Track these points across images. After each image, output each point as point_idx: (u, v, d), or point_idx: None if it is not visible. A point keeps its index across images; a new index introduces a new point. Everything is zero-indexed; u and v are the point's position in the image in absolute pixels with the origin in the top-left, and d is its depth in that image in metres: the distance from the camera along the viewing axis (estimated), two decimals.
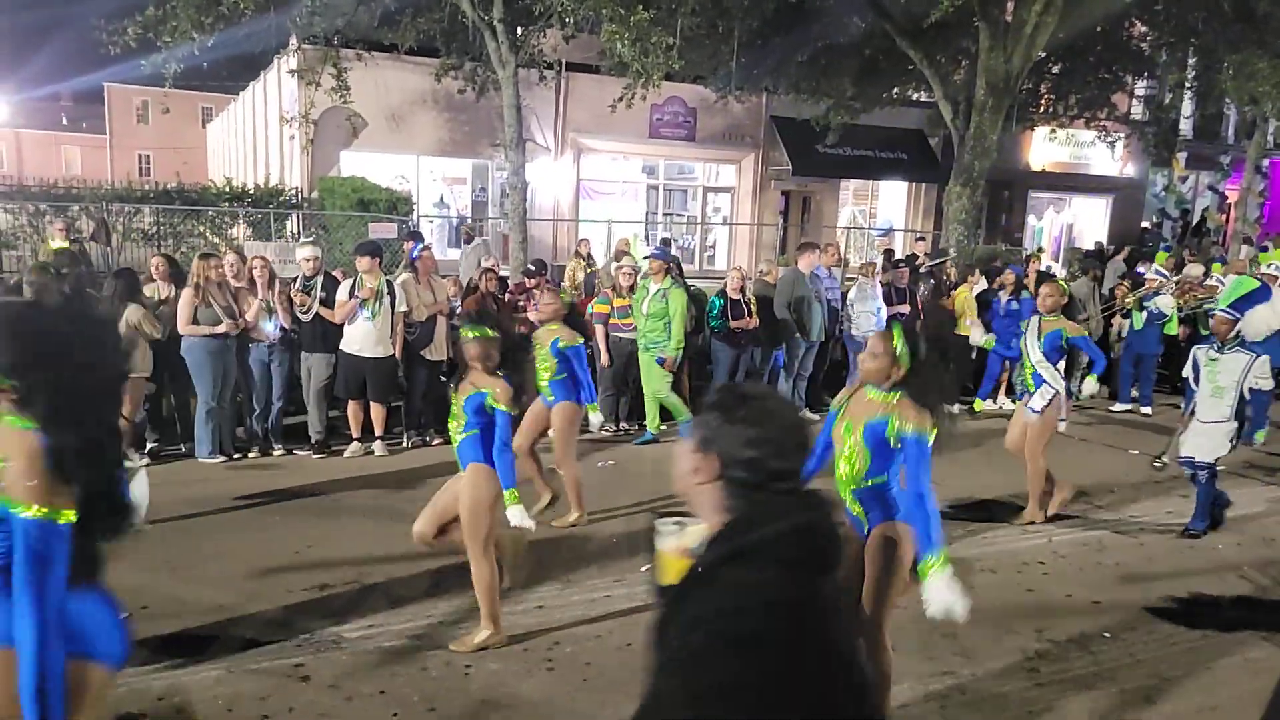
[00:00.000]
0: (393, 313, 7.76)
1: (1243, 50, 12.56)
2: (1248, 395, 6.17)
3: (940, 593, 3.25)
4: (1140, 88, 18.71)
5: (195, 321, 7.18)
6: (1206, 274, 11.00)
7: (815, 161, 19.44)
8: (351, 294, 7.60)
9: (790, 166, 19.91)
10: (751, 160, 20.74)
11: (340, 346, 7.69)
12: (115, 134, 51.59)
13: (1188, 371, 6.52)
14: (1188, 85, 17.41)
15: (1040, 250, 16.91)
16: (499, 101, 13.21)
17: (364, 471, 7.31)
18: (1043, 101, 17.01)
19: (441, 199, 19.74)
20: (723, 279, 10.11)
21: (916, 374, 3.45)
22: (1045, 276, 11.47)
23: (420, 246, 8.54)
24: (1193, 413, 6.31)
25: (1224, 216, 22.61)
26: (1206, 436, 6.15)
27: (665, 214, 21.63)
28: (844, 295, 10.41)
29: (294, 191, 16.34)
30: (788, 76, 15.48)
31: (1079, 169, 22.70)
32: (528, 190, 14.46)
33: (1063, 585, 5.42)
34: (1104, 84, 15.74)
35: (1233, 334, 6.15)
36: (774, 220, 21.30)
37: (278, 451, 7.75)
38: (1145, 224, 23.09)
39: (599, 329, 8.81)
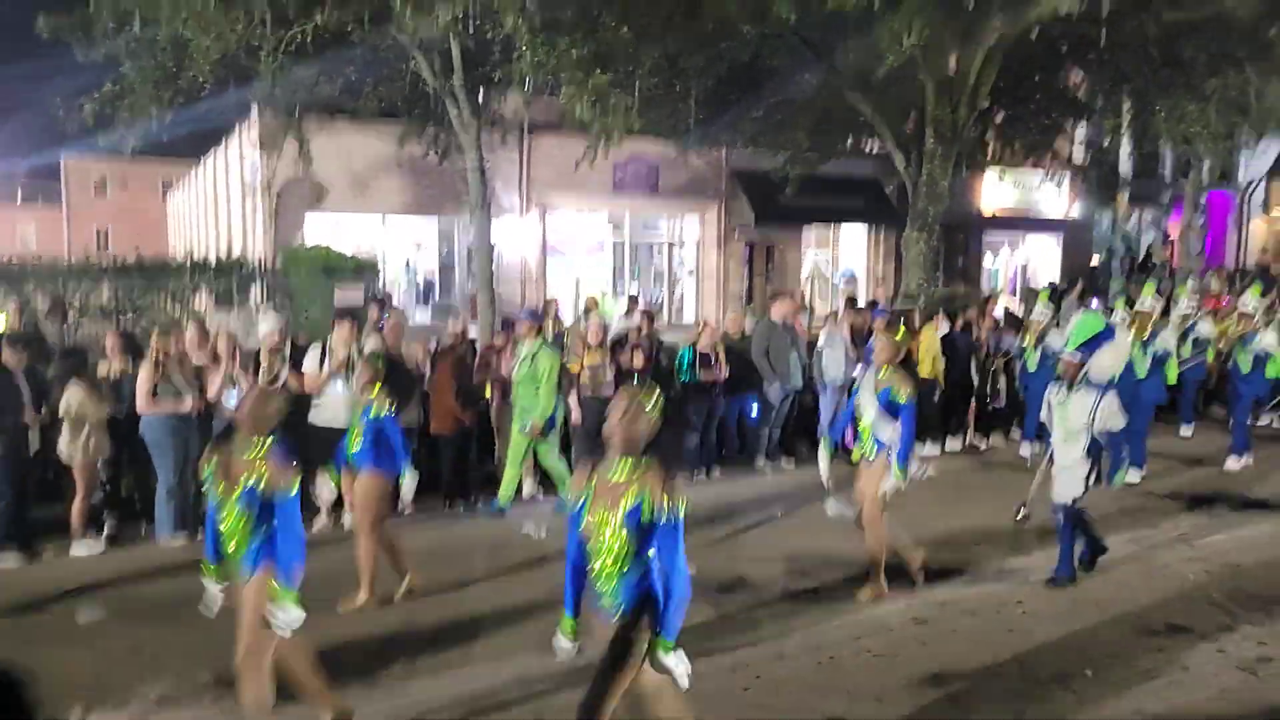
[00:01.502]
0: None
1: (1173, 94, 13.15)
2: (1100, 437, 5.97)
3: (670, 666, 3.27)
4: (1080, 132, 19.42)
5: (155, 398, 7.05)
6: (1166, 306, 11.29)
7: (777, 211, 19.83)
8: (322, 363, 7.58)
9: (753, 217, 20.30)
10: (715, 212, 21.10)
11: (310, 418, 7.58)
12: (72, 207, 51.19)
13: (1044, 415, 6.36)
14: (1124, 128, 18.12)
15: (998, 291, 17.31)
16: (463, 164, 13.38)
17: (337, 537, 7.21)
18: (989, 148, 17.57)
19: (408, 262, 19.81)
20: (691, 330, 10.29)
21: (658, 440, 3.40)
22: (1011, 318, 11.78)
23: (387, 312, 8.58)
24: (1051, 458, 6.21)
25: (1168, 251, 23.36)
26: (1064, 479, 6.05)
27: (632, 268, 21.88)
28: (810, 344, 10.60)
29: (257, 261, 16.32)
30: (745, 131, 15.89)
31: (1029, 210, 23.39)
32: (494, 250, 14.58)
33: (1042, 623, 5.49)
34: (1046, 130, 16.34)
35: (1080, 375, 6.03)
36: (739, 271, 21.62)
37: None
38: (1094, 260, 23.76)
39: (571, 387, 8.86)
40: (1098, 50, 13.08)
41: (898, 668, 4.89)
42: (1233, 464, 9.56)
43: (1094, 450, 6.01)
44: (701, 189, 20.67)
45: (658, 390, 3.48)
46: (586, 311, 13.13)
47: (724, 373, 9.43)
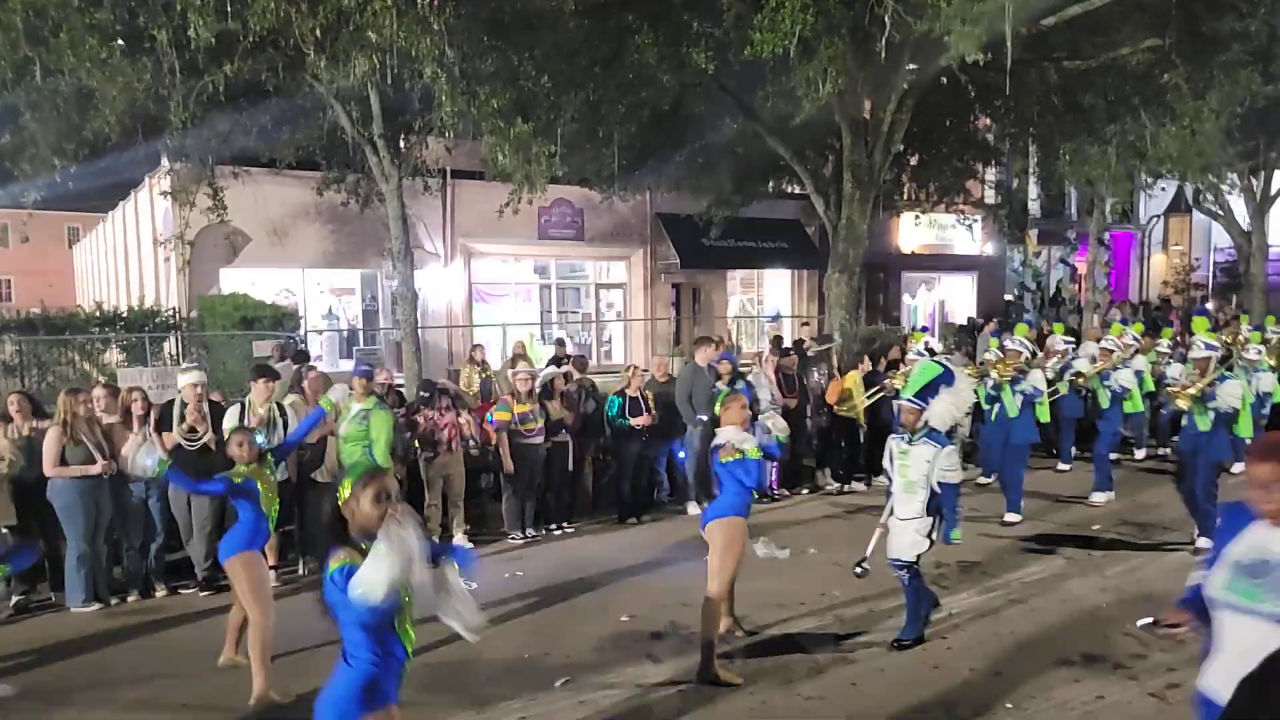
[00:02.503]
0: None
1: (1075, 138, 13.79)
2: (937, 489, 5.68)
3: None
4: (990, 174, 20.22)
5: (64, 462, 6.75)
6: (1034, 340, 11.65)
7: (701, 254, 20.09)
8: (241, 421, 7.32)
9: (678, 260, 20.51)
10: (640, 255, 21.27)
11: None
12: None
13: (886, 464, 6.07)
14: (1031, 170, 18.94)
15: (914, 329, 17.75)
16: (384, 211, 13.22)
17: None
18: (905, 190, 18.15)
19: (330, 310, 19.43)
20: (620, 372, 10.30)
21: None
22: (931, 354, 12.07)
23: (308, 366, 8.36)
24: (893, 510, 5.89)
25: (1076, 287, 24.39)
26: (904, 533, 5.74)
27: (560, 312, 21.86)
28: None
29: (171, 312, 15.79)
30: (668, 176, 16.10)
31: (944, 249, 24.18)
32: (419, 298, 14.40)
33: (966, 659, 5.55)
34: (958, 172, 16.95)
35: (920, 424, 5.75)
36: (666, 313, 21.77)
37: (160, 593, 7.28)
38: (1008, 297, 24.64)
39: (502, 437, 8.74)
40: (1003, 97, 13.65)
41: (828, 709, 4.88)
42: (1098, 499, 9.62)
43: (947, 503, 5.75)
44: (627, 233, 20.84)
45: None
46: (515, 359, 13.02)
47: (650, 418, 9.44)
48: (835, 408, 10.70)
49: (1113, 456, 10.18)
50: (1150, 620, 3.02)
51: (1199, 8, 11.36)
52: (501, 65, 10.16)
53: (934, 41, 10.33)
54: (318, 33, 8.59)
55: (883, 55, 10.78)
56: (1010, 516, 8.92)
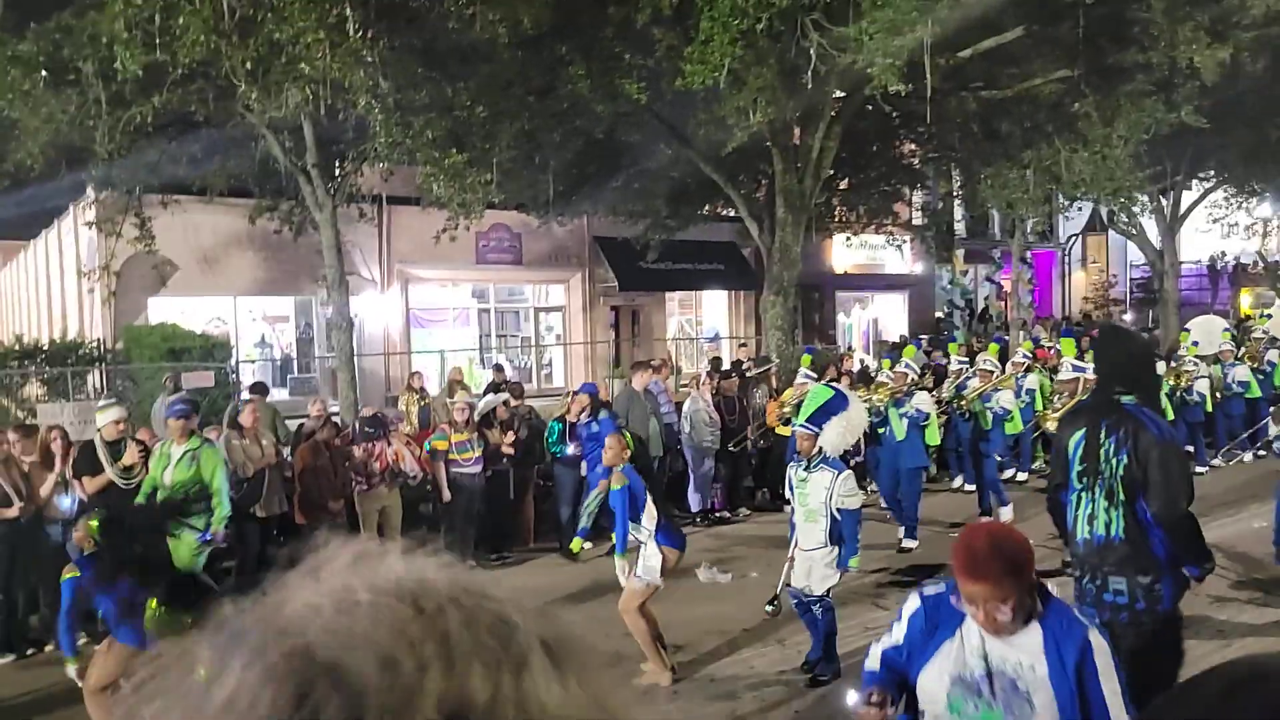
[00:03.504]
0: None
1: (994, 163, 14.38)
2: (837, 515, 5.52)
3: None
4: (917, 197, 20.89)
5: None
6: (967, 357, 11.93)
7: (639, 276, 20.27)
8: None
9: (616, 283, 20.66)
10: (579, 279, 21.35)
11: None
12: None
13: (788, 492, 5.91)
14: (955, 193, 19.61)
15: (851, 349, 18.16)
16: (318, 238, 13.11)
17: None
18: (836, 213, 18.63)
19: (263, 339, 19.07)
20: (560, 396, 10.34)
21: None
22: (865, 376, 12.37)
23: (245, 400, 8.25)
24: (797, 541, 5.71)
25: (1002, 304, 25.25)
26: (812, 565, 5.56)
27: (499, 336, 21.79)
28: (679, 405, 10.83)
29: (95, 344, 15.32)
30: (605, 201, 16.28)
31: (876, 269, 24.80)
32: (355, 325, 14.27)
33: None
34: (886, 195, 17.51)
35: (816, 450, 5.58)
36: (605, 335, 21.88)
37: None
38: (938, 314, 25.37)
39: (438, 466, 8.72)
40: (926, 124, 14.17)
41: None
42: (1006, 514, 9.32)
43: (847, 529, 5.57)
44: (565, 256, 20.92)
45: None
46: (452, 385, 12.98)
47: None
48: (776, 429, 10.88)
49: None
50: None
51: (1104, 41, 11.97)
52: (436, 96, 10.22)
53: (858, 72, 10.70)
54: (249, 65, 8.54)
55: (810, 85, 11.14)
56: (908, 542, 8.70)
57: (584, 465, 9.01)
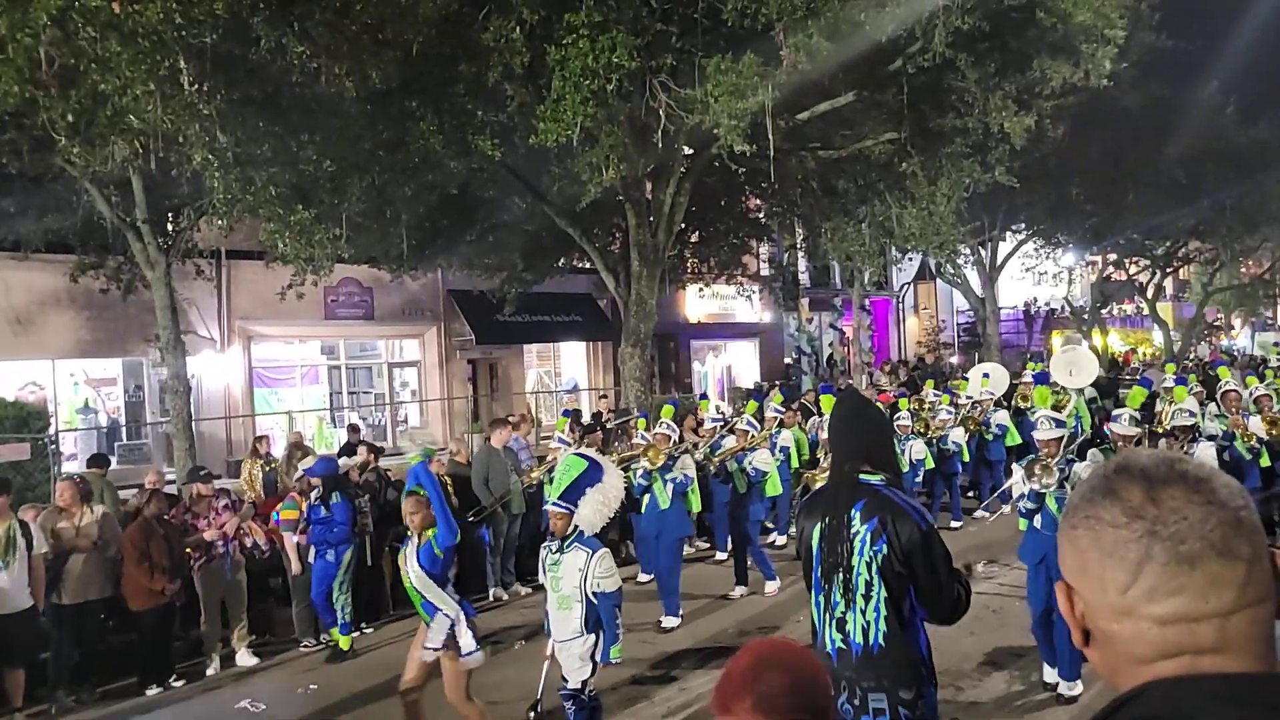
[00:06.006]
0: (29, 557, 6.73)
1: (833, 218, 15.23)
2: (593, 599, 4.91)
3: None
4: (764, 249, 21.82)
5: None
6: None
7: (496, 329, 20.10)
8: None
9: (473, 336, 20.40)
10: (434, 333, 20.95)
11: None
12: None
13: (542, 575, 5.28)
14: (799, 245, 20.61)
15: (704, 396, 18.57)
16: (150, 296, 12.31)
17: None
18: (688, 265, 19.18)
19: (87, 403, 17.63)
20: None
21: None
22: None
23: (64, 476, 7.58)
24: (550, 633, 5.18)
25: (845, 349, 26.58)
26: (566, 657, 4.99)
27: (350, 393, 21.01)
28: (542, 459, 10.70)
29: None
30: (459, 254, 16.12)
31: (728, 318, 25.62)
32: (192, 387, 13.42)
33: None
34: (735, 248, 18.18)
35: (571, 528, 4.96)
36: (464, 390, 21.50)
37: None
38: (788, 360, 26.40)
39: (287, 537, 8.26)
40: (769, 181, 14.86)
41: None
42: (771, 588, 8.84)
43: (604, 614, 4.94)
44: (419, 310, 20.52)
45: None
46: (293, 450, 12.38)
47: (451, 501, 9.25)
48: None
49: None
50: None
51: (926, 107, 12.97)
52: (279, 149, 9.87)
53: (705, 131, 11.13)
54: (70, 117, 7.99)
55: (660, 143, 11.50)
56: (668, 621, 8.03)
57: (312, 551, 8.07)
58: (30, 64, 7.42)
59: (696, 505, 9.16)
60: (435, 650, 5.30)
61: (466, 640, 5.29)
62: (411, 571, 5.41)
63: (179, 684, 7.41)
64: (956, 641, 6.94)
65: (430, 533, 5.33)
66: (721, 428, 9.84)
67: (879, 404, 9.74)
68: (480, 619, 8.74)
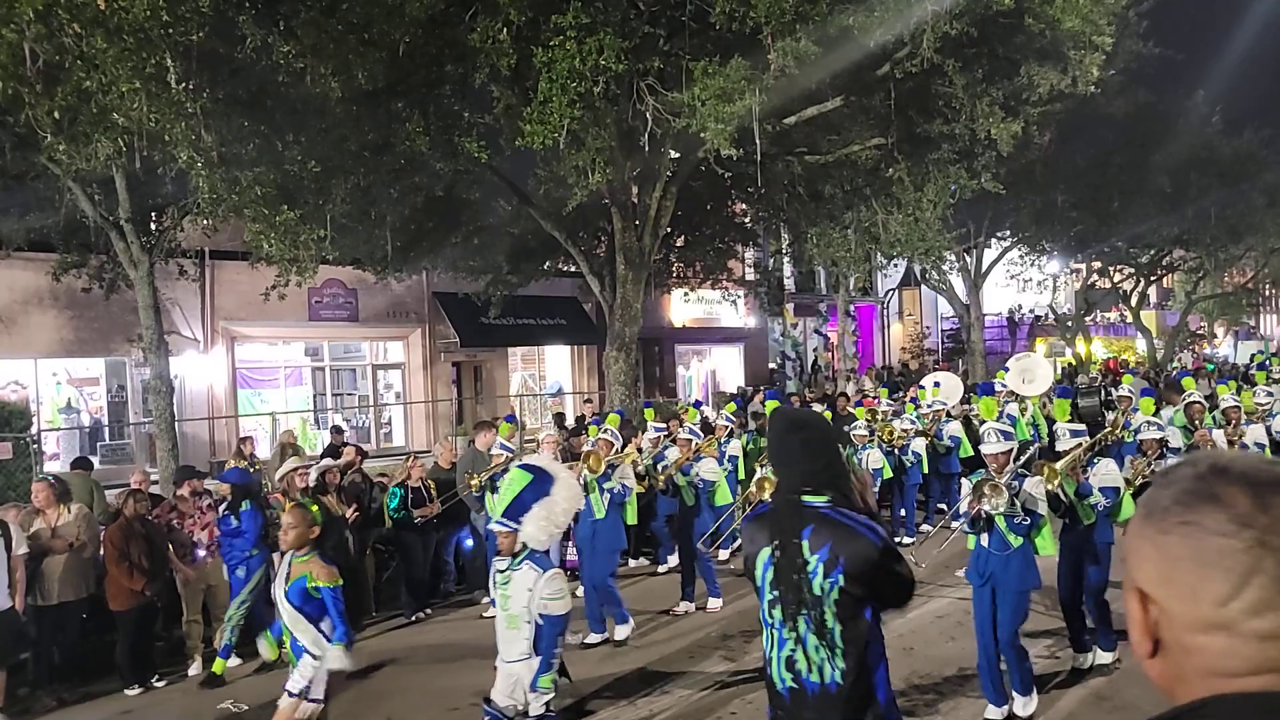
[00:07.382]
0: (8, 557, 6.67)
1: (819, 223, 15.29)
2: (540, 621, 4.62)
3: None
4: (749, 254, 21.89)
5: None
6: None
7: (481, 332, 20.07)
8: None
9: (458, 339, 20.36)
10: (419, 335, 20.90)
11: None
12: None
13: (493, 590, 4.95)
14: (784, 250, 20.68)
15: (691, 403, 18.59)
16: (133, 295, 12.22)
17: None
18: (674, 269, 19.22)
19: (69, 403, 17.48)
20: (402, 456, 9.99)
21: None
22: (707, 425, 12.36)
23: (40, 477, 7.52)
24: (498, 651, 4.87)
25: (830, 355, 26.69)
26: (518, 680, 4.66)
27: (334, 395, 20.93)
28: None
29: None
30: (445, 257, 16.09)
31: (713, 323, 25.68)
32: (175, 387, 13.32)
33: None
34: (720, 253, 18.21)
35: (519, 546, 4.68)
36: (447, 392, 21.44)
37: None
38: (772, 365, 26.47)
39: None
40: (755, 186, 14.91)
41: None
42: (714, 605, 8.48)
43: (546, 638, 4.64)
44: (403, 312, 20.47)
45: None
46: (284, 449, 12.33)
47: (437, 507, 9.24)
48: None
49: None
50: None
51: (913, 113, 13.05)
52: (265, 149, 9.84)
53: (692, 136, 11.16)
54: (54, 114, 7.93)
55: (646, 147, 11.52)
56: (621, 630, 7.70)
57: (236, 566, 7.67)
58: (14, 60, 7.37)
59: (632, 518, 8.64)
60: (292, 695, 4.82)
61: (318, 690, 4.84)
62: (281, 606, 4.84)
63: (160, 684, 7.35)
64: (937, 647, 7.03)
65: (311, 570, 4.78)
66: (665, 437, 9.49)
67: (823, 413, 8.72)
68: (463, 628, 8.74)
